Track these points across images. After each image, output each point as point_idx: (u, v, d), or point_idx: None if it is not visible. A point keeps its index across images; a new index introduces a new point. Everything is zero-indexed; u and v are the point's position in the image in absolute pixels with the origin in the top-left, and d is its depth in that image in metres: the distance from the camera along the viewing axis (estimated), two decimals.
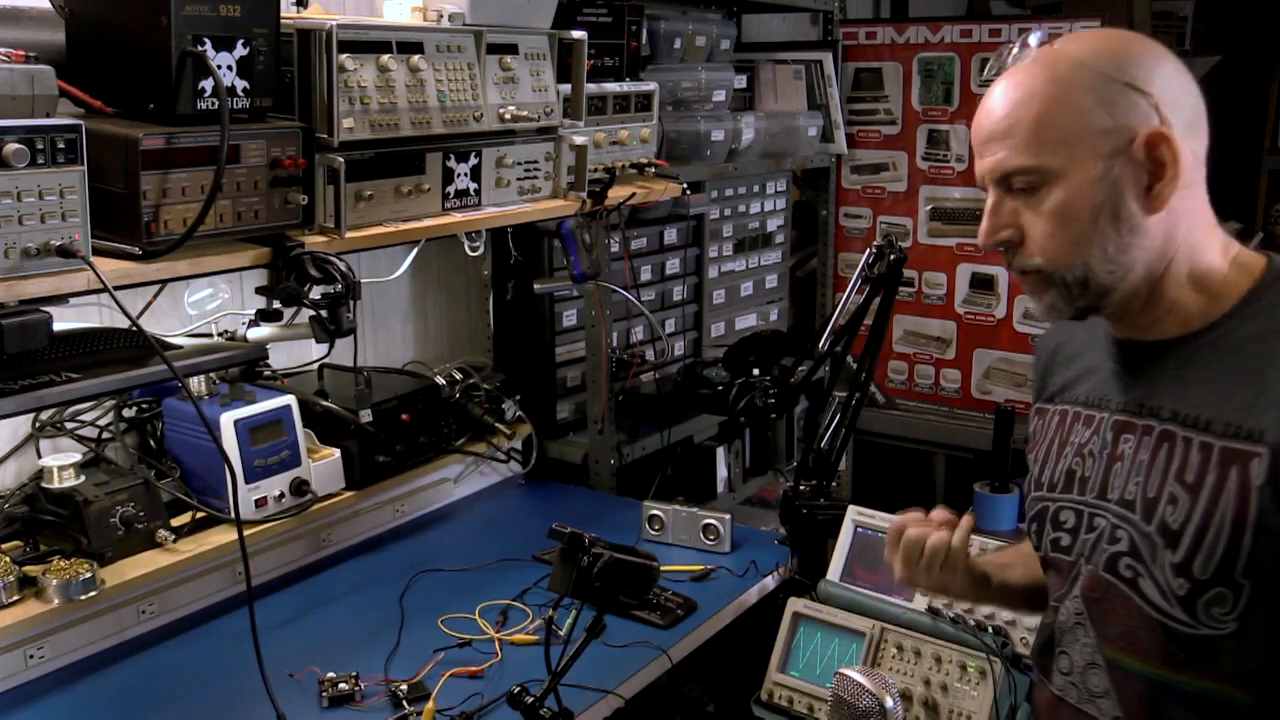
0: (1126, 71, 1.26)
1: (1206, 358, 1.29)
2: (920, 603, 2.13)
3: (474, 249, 2.81)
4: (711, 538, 2.62)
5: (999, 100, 1.31)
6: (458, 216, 2.18)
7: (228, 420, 2.22)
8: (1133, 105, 1.25)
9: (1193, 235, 1.30)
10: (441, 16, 2.13)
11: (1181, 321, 1.32)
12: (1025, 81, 1.29)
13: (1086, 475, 1.39)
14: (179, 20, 1.63)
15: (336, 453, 2.45)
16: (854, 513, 2.30)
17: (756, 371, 2.64)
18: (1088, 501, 1.38)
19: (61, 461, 2.06)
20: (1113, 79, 1.26)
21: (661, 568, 1.80)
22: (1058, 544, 1.41)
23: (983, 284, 3.74)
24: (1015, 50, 1.33)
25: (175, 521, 2.18)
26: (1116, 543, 1.32)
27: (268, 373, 2.48)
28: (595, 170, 2.52)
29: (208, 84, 1.68)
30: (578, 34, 2.34)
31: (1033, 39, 1.34)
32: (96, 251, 1.57)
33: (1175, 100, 1.26)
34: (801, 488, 2.43)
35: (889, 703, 1.43)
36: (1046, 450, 1.47)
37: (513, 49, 2.23)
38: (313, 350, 2.61)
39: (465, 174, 2.18)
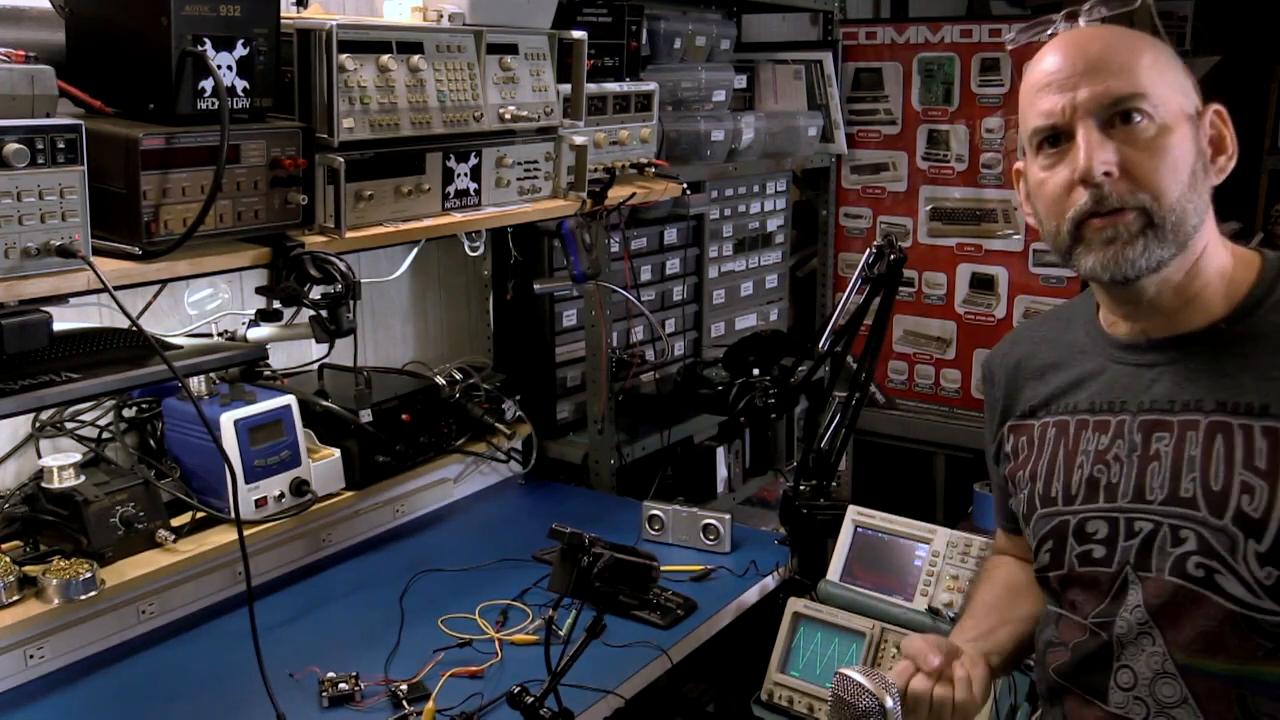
0: (1178, 59, 1.32)
1: (1242, 348, 1.29)
2: (920, 603, 2.13)
3: (474, 249, 2.81)
4: (711, 538, 2.62)
5: (1097, 38, 1.31)
6: (458, 216, 2.18)
7: (228, 420, 2.22)
8: (1190, 83, 1.32)
9: (1212, 222, 1.33)
10: (441, 16, 2.13)
11: (1202, 312, 1.32)
12: (1118, 31, 1.31)
13: (1114, 481, 1.34)
14: (179, 20, 1.63)
15: (336, 453, 2.45)
16: (854, 513, 2.30)
17: (756, 371, 2.64)
18: (1121, 507, 1.34)
19: (61, 461, 2.06)
20: (1175, 57, 1.31)
21: (661, 568, 1.80)
22: (1089, 557, 1.36)
23: (983, 284, 3.74)
24: (1063, 24, 1.36)
25: (175, 521, 2.18)
26: (1181, 544, 1.28)
27: (268, 373, 2.49)
28: (595, 170, 2.52)
29: (208, 84, 1.68)
30: (578, 34, 2.34)
31: (1082, 20, 1.36)
32: (96, 251, 1.57)
33: None
34: (801, 488, 2.43)
35: (889, 703, 1.43)
36: (1050, 464, 1.42)
37: (513, 49, 2.23)
38: (313, 350, 2.61)
39: (465, 174, 2.18)
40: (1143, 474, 1.32)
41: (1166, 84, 1.28)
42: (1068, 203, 1.29)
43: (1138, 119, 1.26)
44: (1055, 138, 1.31)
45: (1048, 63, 1.31)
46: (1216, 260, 1.33)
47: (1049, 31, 1.38)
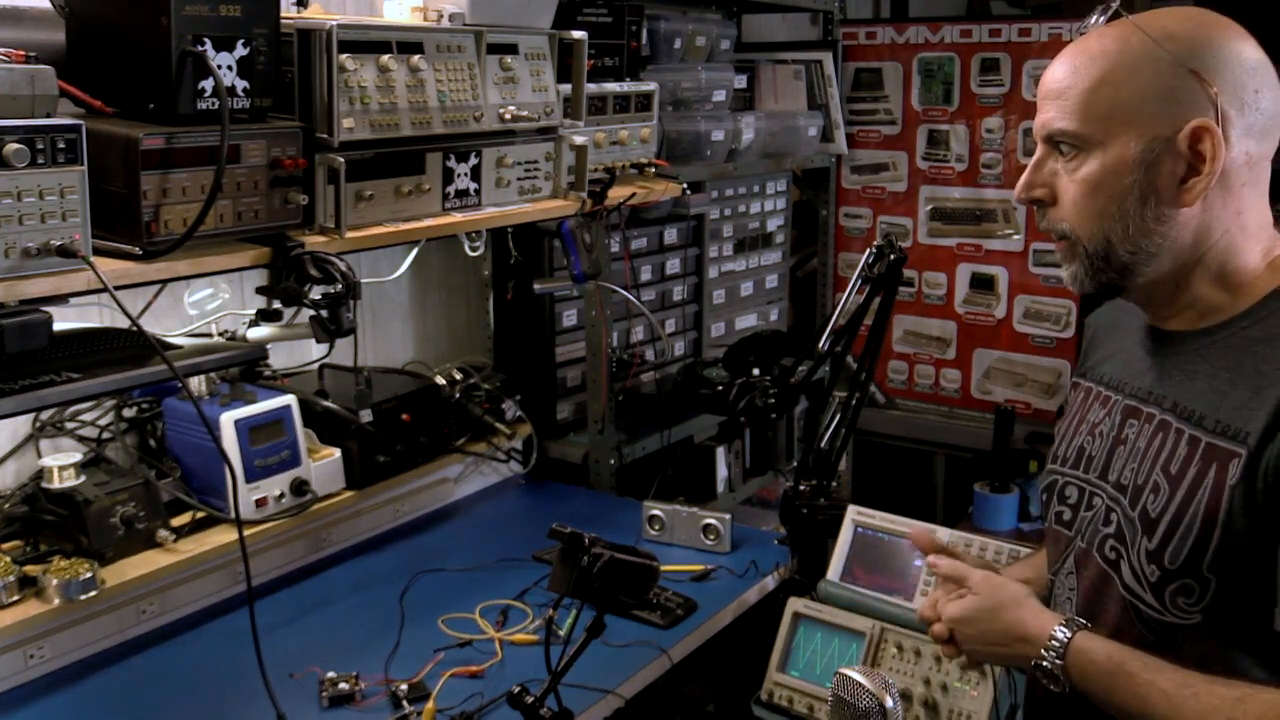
0: (1197, 59, 1.24)
1: (1213, 354, 1.30)
2: (920, 602, 2.12)
3: (474, 249, 2.81)
4: (711, 538, 2.62)
5: (1064, 61, 1.32)
6: (458, 216, 2.18)
7: (228, 420, 2.22)
8: (1191, 94, 1.24)
9: (1230, 235, 1.29)
10: (441, 16, 2.13)
11: (1201, 316, 1.33)
12: (1093, 47, 1.29)
13: (1093, 455, 1.42)
14: (179, 20, 1.63)
15: (337, 453, 2.45)
16: (854, 513, 2.29)
17: (756, 371, 2.64)
18: (1090, 480, 1.41)
19: (62, 461, 2.06)
20: (1179, 63, 1.24)
21: (661, 568, 1.80)
22: (1060, 518, 1.45)
23: (983, 284, 3.74)
24: (1097, 17, 1.32)
25: (175, 521, 2.18)
26: (1108, 525, 1.36)
27: (268, 373, 2.48)
28: (595, 170, 2.52)
29: (208, 84, 1.68)
30: (578, 34, 2.34)
31: (1095, 18, 1.33)
32: (97, 251, 1.57)
33: (1242, 99, 1.24)
34: (801, 488, 2.43)
35: (889, 703, 1.43)
36: (1069, 425, 1.51)
37: (513, 49, 2.23)
38: (313, 350, 2.61)
39: (465, 174, 2.18)
40: (1111, 454, 1.39)
41: (1119, 109, 1.25)
42: None
43: (1067, 151, 1.30)
44: None
45: (1044, 75, 1.35)
46: (1225, 267, 1.30)
47: (1079, 30, 1.37)
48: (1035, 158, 1.35)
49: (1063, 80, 1.30)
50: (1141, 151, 1.25)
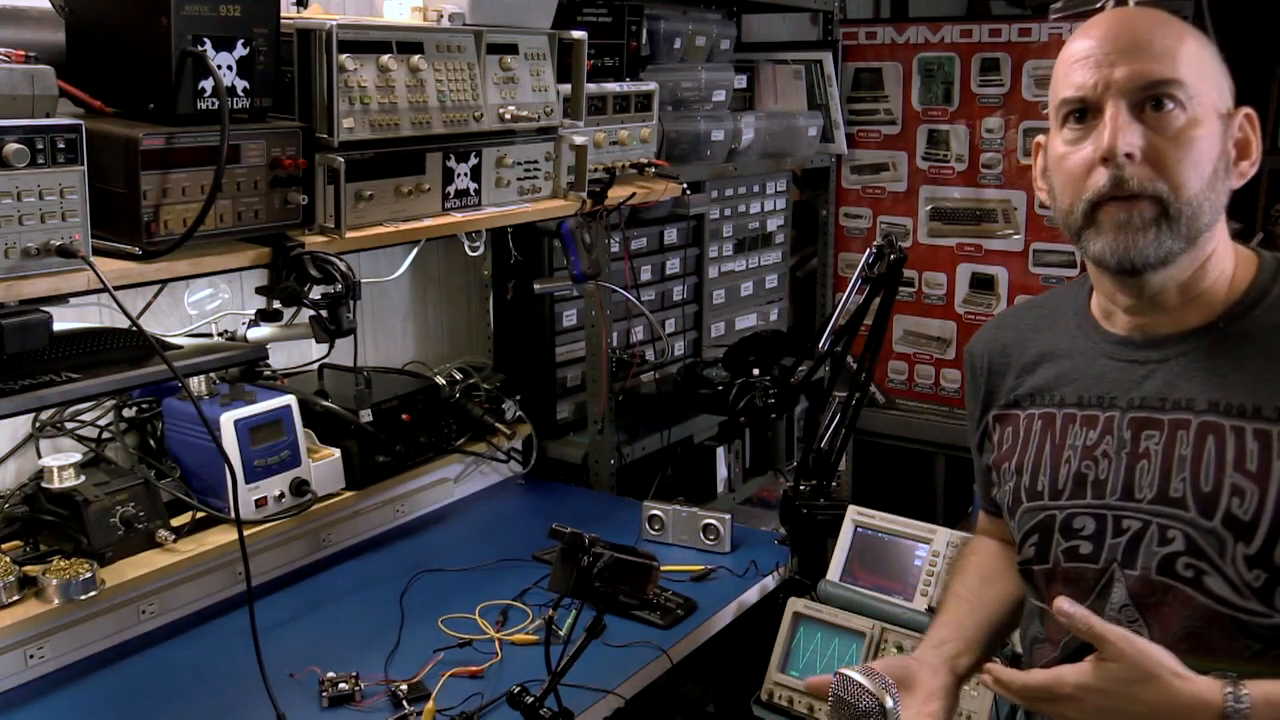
0: (1219, 57, 1.30)
1: (1234, 347, 1.28)
2: (920, 603, 2.13)
3: (474, 249, 2.80)
4: (711, 538, 2.62)
5: (1142, 19, 1.28)
6: (458, 216, 2.18)
7: (228, 420, 2.22)
8: (1227, 81, 1.30)
9: (1224, 227, 1.32)
10: (441, 16, 2.13)
11: (1202, 311, 1.31)
12: (1165, 16, 1.29)
13: (1102, 478, 1.34)
14: (179, 20, 1.63)
15: (336, 453, 2.45)
16: (854, 513, 2.30)
17: (756, 371, 2.64)
18: (1109, 504, 1.33)
19: (61, 461, 2.06)
20: (1218, 55, 1.30)
21: (661, 568, 1.80)
22: (1075, 553, 1.35)
23: (983, 284, 3.74)
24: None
25: (175, 521, 2.18)
26: (1169, 543, 1.27)
27: (268, 373, 2.48)
28: (595, 170, 2.52)
29: (208, 84, 1.68)
30: (578, 34, 2.34)
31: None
32: (96, 251, 1.58)
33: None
34: (801, 488, 2.43)
35: (889, 703, 1.42)
36: (1036, 458, 1.41)
37: (513, 49, 2.23)
38: (313, 350, 2.61)
39: (465, 174, 2.18)
40: (1131, 472, 1.32)
41: (1204, 77, 1.27)
42: (1086, 183, 1.27)
43: (1169, 106, 1.24)
44: (1082, 113, 1.28)
45: (1090, 35, 1.29)
46: (1223, 261, 1.32)
47: (1098, 5, 1.37)
48: (1116, 115, 1.24)
49: (1153, 36, 1.25)
50: (1221, 124, 1.29)
